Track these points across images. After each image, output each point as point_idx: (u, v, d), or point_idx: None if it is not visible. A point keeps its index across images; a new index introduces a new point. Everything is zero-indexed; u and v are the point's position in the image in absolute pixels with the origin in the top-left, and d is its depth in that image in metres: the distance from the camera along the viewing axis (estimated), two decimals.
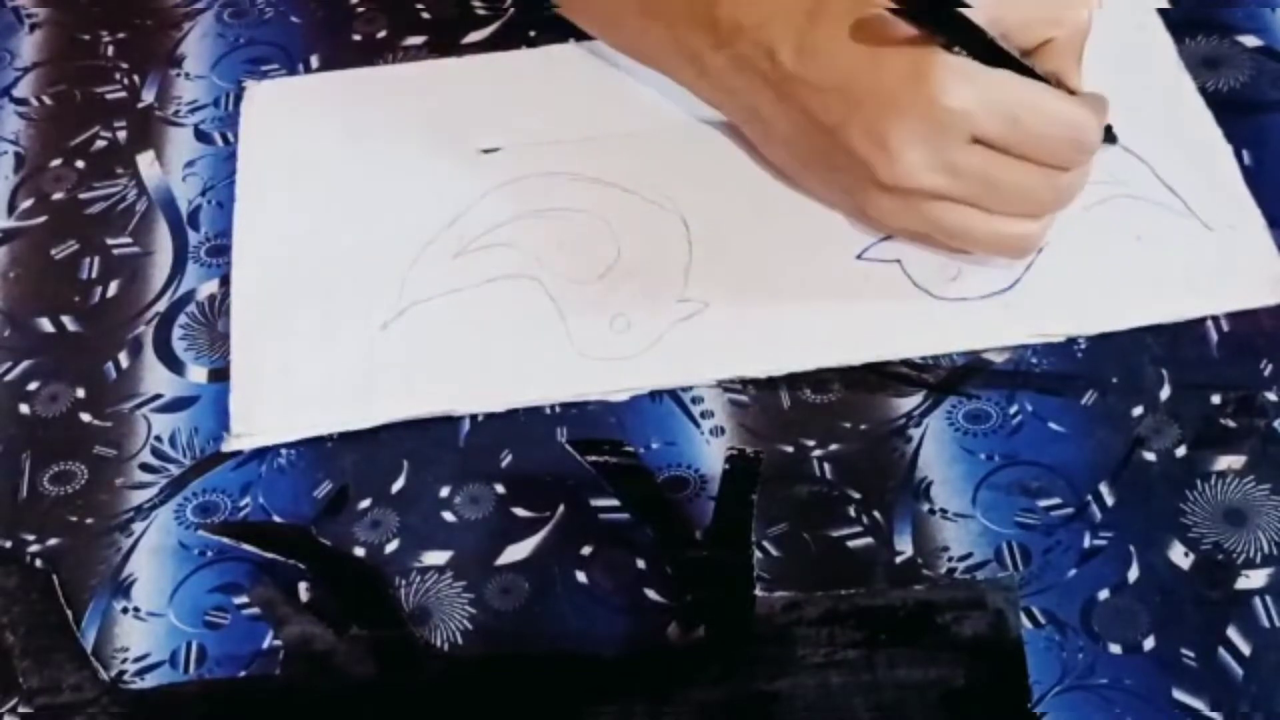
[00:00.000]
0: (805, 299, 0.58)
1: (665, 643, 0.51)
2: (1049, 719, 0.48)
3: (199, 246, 0.62)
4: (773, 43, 0.54)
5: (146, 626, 0.52)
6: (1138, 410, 0.55)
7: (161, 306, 0.60)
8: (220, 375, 0.58)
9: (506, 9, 0.69)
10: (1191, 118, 0.62)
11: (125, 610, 0.52)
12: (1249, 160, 0.61)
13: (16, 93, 0.68)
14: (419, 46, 0.68)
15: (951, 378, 0.56)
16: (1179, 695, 0.49)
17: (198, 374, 0.58)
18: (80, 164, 0.65)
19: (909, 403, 0.56)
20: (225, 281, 0.60)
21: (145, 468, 0.56)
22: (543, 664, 0.50)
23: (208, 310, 0.60)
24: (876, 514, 0.53)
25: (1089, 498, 0.53)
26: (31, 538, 0.54)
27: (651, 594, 0.52)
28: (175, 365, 0.58)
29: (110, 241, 0.62)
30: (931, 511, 0.53)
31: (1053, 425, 0.55)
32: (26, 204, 0.64)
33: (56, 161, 0.65)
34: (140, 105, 0.67)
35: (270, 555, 0.52)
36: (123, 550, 0.54)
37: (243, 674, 0.51)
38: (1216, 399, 0.55)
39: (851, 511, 0.53)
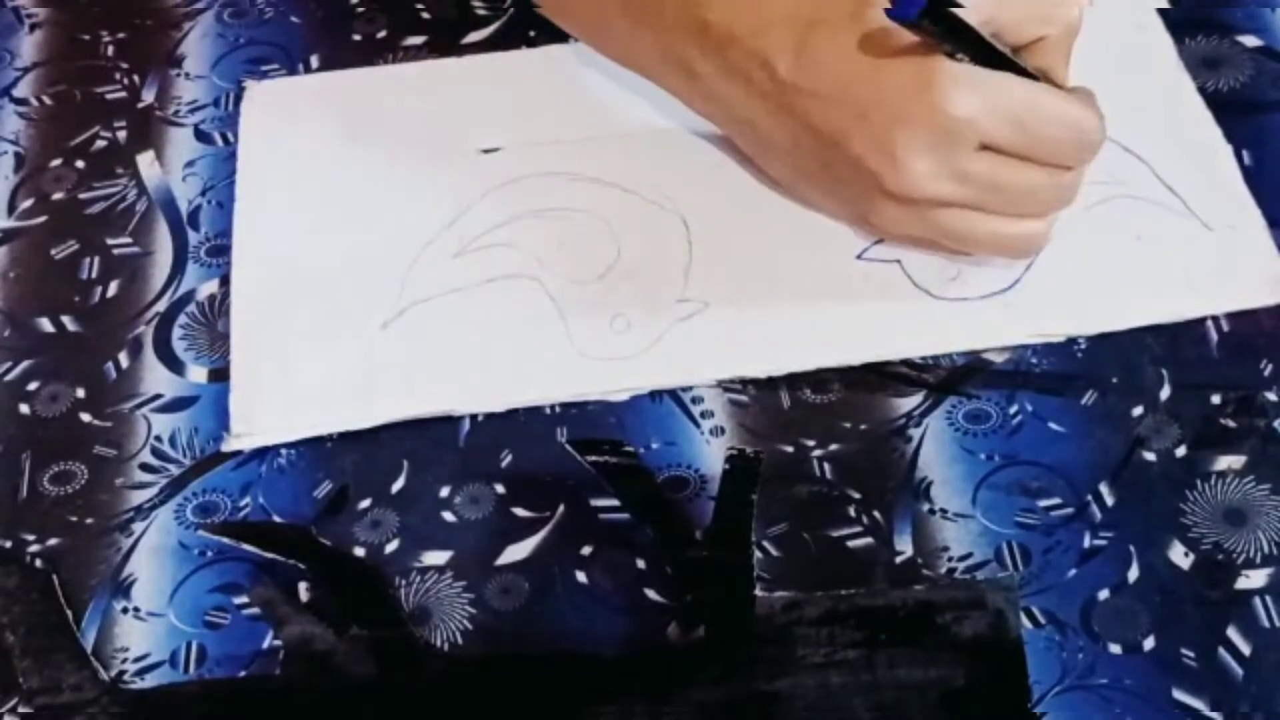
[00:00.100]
0: (805, 299, 0.58)
1: (665, 643, 0.51)
2: (1049, 719, 0.48)
3: (199, 246, 0.62)
4: (768, 52, 0.54)
5: (146, 626, 0.52)
6: (1138, 410, 0.55)
7: (161, 306, 0.60)
8: (220, 375, 0.58)
9: (506, 9, 0.69)
10: (1191, 118, 0.62)
11: (125, 610, 0.52)
12: (1249, 160, 0.61)
13: (16, 93, 0.68)
14: (419, 46, 0.68)
15: (951, 378, 0.56)
16: (1179, 695, 0.48)
17: (198, 374, 0.58)
18: (80, 164, 0.65)
19: (909, 403, 0.56)
20: (225, 281, 0.60)
21: (145, 468, 0.56)
22: (543, 664, 0.50)
23: (208, 310, 0.60)
24: (876, 514, 0.53)
25: (1089, 498, 0.53)
26: (31, 538, 0.54)
27: (651, 594, 0.52)
28: (175, 365, 0.58)
29: (110, 241, 0.62)
30: (931, 511, 0.53)
31: (1053, 425, 0.55)
32: (26, 204, 0.64)
33: (56, 161, 0.65)
34: (140, 105, 0.67)
35: (270, 555, 0.52)
36: (123, 550, 0.54)
37: (243, 674, 0.51)
38: (1216, 399, 0.55)
39: (851, 511, 0.53)
